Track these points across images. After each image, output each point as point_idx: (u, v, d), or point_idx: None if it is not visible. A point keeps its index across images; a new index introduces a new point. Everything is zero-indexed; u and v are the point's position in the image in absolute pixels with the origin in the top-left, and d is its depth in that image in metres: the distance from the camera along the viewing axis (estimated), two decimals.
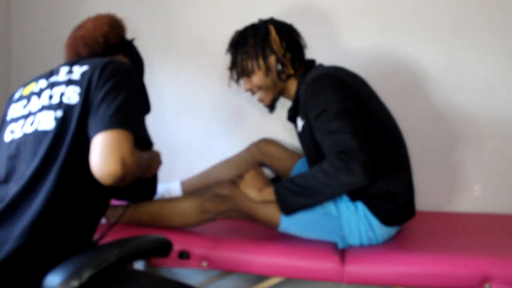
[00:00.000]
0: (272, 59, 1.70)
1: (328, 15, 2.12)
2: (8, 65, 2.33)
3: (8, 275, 1.01)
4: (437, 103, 2.07)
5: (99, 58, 1.24)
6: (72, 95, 1.15)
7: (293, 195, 1.52)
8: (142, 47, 1.60)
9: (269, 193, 1.56)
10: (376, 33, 2.09)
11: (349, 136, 1.46)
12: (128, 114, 1.10)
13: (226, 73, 1.89)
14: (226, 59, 1.84)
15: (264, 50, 1.69)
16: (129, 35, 1.57)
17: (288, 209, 1.54)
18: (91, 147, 1.05)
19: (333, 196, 1.51)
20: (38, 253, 1.05)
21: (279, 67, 1.70)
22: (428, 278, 1.43)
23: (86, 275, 0.92)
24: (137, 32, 2.20)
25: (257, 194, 1.58)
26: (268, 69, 1.70)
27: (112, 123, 1.06)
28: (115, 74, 1.15)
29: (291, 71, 1.71)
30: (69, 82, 1.18)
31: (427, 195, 2.06)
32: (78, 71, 1.20)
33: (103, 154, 1.02)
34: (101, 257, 0.96)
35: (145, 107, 1.56)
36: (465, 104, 2.05)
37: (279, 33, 1.71)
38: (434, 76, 2.06)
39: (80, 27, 1.40)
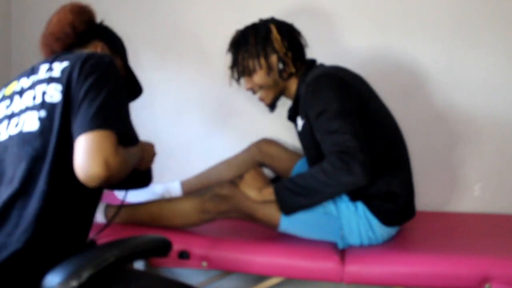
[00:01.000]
0: (273, 58, 1.70)
1: (328, 15, 2.12)
2: (8, 65, 2.33)
3: (8, 277, 1.01)
4: (437, 103, 2.07)
5: (79, 53, 1.21)
6: (54, 93, 1.12)
7: (293, 195, 1.52)
8: (143, 47, 1.60)
9: (269, 193, 1.56)
10: (376, 33, 2.09)
11: (349, 136, 1.46)
12: (110, 112, 1.08)
13: (226, 73, 1.89)
14: (226, 59, 1.84)
15: (266, 49, 1.69)
16: (129, 35, 1.56)
17: (287, 209, 1.54)
18: (74, 149, 1.04)
19: (333, 196, 1.51)
20: (37, 254, 1.05)
21: (281, 66, 1.70)
22: (428, 278, 1.43)
23: (85, 275, 0.92)
24: (137, 32, 2.21)
25: (257, 194, 1.58)
26: (269, 68, 1.70)
27: (94, 124, 1.04)
28: (95, 69, 1.13)
29: (293, 70, 1.71)
30: (50, 80, 1.15)
31: (427, 195, 2.06)
32: (59, 67, 1.17)
33: (86, 157, 1.01)
34: (101, 257, 0.96)
35: (135, 93, 1.54)
36: (465, 104, 2.05)
37: (280, 32, 1.71)
38: (434, 76, 2.06)
39: (48, 23, 1.37)
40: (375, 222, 1.57)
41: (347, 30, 2.11)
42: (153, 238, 1.09)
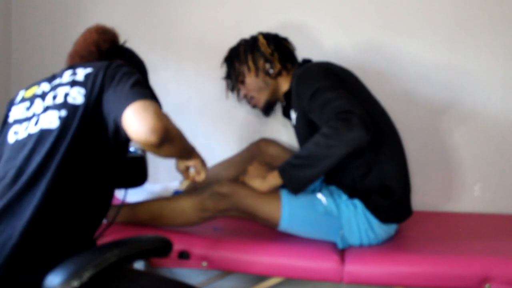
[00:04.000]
0: (261, 61, 1.77)
1: (328, 15, 2.12)
2: (8, 65, 2.33)
3: (11, 273, 1.02)
4: (437, 103, 2.07)
5: (102, 62, 1.26)
6: (77, 96, 1.18)
7: (298, 169, 1.50)
8: (143, 47, 1.60)
9: (273, 176, 1.55)
10: (376, 33, 2.09)
11: (345, 100, 1.48)
12: (145, 91, 1.13)
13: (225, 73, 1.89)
14: None
15: (253, 53, 1.78)
16: (129, 36, 1.57)
17: (295, 186, 1.52)
18: (125, 125, 1.07)
19: (338, 158, 1.46)
20: (38, 250, 1.05)
21: (268, 65, 1.77)
22: (428, 278, 1.43)
23: (86, 275, 0.92)
24: (137, 33, 2.21)
25: (261, 183, 1.57)
26: (257, 69, 1.76)
27: (132, 98, 1.09)
28: (120, 68, 1.20)
29: (279, 66, 1.77)
30: (73, 83, 1.20)
31: (427, 195, 2.06)
32: (82, 72, 1.23)
33: (138, 117, 1.05)
34: (102, 257, 0.96)
35: None
36: (465, 104, 2.05)
37: (266, 37, 1.81)
38: (434, 76, 2.06)
39: (74, 44, 1.45)
40: (374, 221, 1.58)
41: (347, 30, 2.11)
42: (154, 238, 1.09)
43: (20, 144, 1.17)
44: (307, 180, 1.51)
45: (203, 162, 1.43)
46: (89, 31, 1.43)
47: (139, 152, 1.57)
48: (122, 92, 1.13)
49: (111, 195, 1.24)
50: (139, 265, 1.90)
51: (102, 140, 1.16)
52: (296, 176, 1.51)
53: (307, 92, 1.55)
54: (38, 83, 1.30)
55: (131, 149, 1.56)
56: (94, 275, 0.93)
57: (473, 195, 2.07)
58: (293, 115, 1.72)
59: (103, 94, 1.16)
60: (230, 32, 1.86)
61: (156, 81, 2.22)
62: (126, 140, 1.19)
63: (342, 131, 1.42)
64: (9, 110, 1.30)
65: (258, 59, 1.77)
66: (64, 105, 1.17)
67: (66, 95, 1.19)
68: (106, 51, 1.41)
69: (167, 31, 2.24)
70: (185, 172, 1.46)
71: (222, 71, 2.06)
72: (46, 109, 1.19)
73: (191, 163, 1.42)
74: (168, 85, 2.25)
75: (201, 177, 1.45)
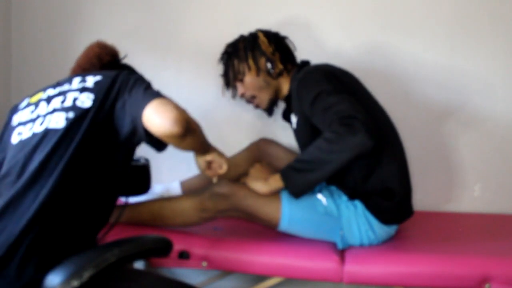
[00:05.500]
0: (262, 60, 1.75)
1: (327, 15, 2.12)
2: (8, 65, 2.33)
3: (12, 267, 1.02)
4: (437, 103, 2.07)
5: (111, 71, 1.30)
6: (86, 100, 1.20)
7: (301, 173, 1.50)
8: (143, 48, 1.61)
9: (275, 180, 1.55)
10: (376, 33, 2.09)
11: (347, 104, 1.47)
12: (158, 92, 1.22)
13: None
14: None
15: (254, 51, 1.76)
16: (129, 36, 1.58)
17: (297, 190, 1.52)
18: (146, 123, 1.13)
19: (340, 163, 1.45)
20: (40, 248, 1.05)
21: (269, 65, 1.75)
22: (428, 278, 1.44)
23: (86, 275, 0.92)
24: (137, 33, 2.21)
25: (263, 186, 1.56)
26: (258, 69, 1.75)
27: (149, 98, 1.15)
28: (131, 75, 1.25)
29: (281, 66, 1.75)
30: (83, 89, 1.23)
31: (427, 195, 2.06)
32: (92, 80, 1.26)
33: (160, 112, 1.13)
34: (102, 257, 0.96)
35: None
36: (465, 104, 2.05)
37: (267, 36, 1.79)
38: (434, 76, 2.06)
39: (77, 59, 1.49)
40: (374, 222, 1.58)
41: (347, 29, 2.11)
42: (154, 238, 1.09)
43: (24, 143, 1.18)
44: (309, 184, 1.52)
45: (220, 155, 1.51)
46: (91, 46, 1.49)
47: (142, 161, 1.58)
48: (137, 95, 1.18)
49: (115, 197, 1.25)
50: (139, 265, 1.90)
51: (110, 144, 1.18)
52: (298, 180, 1.51)
53: (309, 96, 1.55)
54: (43, 89, 1.32)
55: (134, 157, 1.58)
56: (94, 275, 0.93)
57: (473, 195, 2.07)
58: (294, 119, 1.71)
59: (117, 99, 1.19)
60: (230, 33, 1.85)
61: (156, 82, 2.22)
62: (136, 143, 1.22)
63: (345, 136, 1.41)
64: (12, 114, 1.32)
65: (258, 57, 1.75)
66: (73, 108, 1.19)
67: (75, 99, 1.21)
68: (107, 63, 1.45)
69: (167, 32, 2.23)
70: (206, 169, 1.52)
71: (221, 72, 2.06)
72: (53, 111, 1.21)
73: (209, 157, 1.49)
74: (169, 86, 2.24)
75: (223, 169, 1.51)
